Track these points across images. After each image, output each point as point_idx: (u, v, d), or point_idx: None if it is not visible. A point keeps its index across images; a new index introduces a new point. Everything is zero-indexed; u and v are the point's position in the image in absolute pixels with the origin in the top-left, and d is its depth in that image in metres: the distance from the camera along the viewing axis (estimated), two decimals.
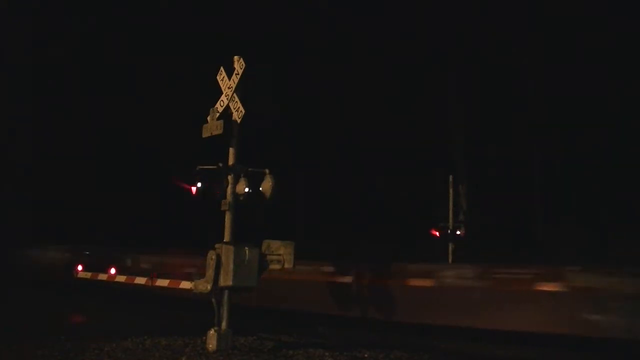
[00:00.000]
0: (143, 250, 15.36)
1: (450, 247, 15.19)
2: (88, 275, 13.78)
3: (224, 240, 7.79)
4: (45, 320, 10.43)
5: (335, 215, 21.78)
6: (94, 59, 25.65)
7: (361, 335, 9.26)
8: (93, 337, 8.11)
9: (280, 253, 8.07)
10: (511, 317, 8.73)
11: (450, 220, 15.33)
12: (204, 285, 7.70)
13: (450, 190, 15.44)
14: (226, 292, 7.75)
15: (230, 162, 7.97)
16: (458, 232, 15.80)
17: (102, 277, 13.09)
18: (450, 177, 15.57)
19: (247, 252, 7.75)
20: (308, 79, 22.18)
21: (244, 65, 7.93)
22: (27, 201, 25.69)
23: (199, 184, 8.23)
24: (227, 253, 7.65)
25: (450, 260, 14.67)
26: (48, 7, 24.88)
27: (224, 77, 8.15)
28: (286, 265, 8.07)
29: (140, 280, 12.07)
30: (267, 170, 8.06)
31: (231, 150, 8.01)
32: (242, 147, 8.06)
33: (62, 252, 18.21)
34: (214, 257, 7.65)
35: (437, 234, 15.55)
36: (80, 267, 14.51)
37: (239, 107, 7.91)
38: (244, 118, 7.89)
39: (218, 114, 8.06)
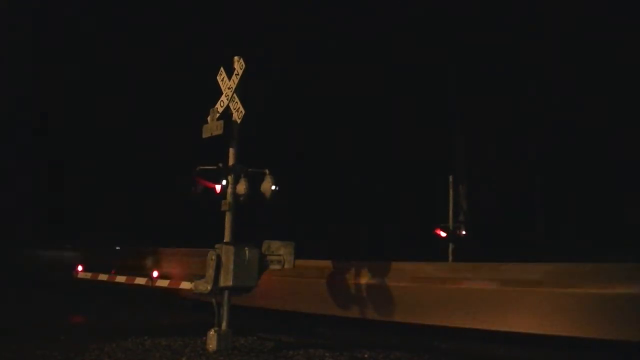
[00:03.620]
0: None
1: (451, 247, 15.21)
2: (88, 275, 13.80)
3: (224, 241, 7.80)
4: (45, 320, 10.43)
5: (335, 216, 21.79)
6: (94, 59, 25.67)
7: (361, 336, 9.27)
8: (93, 337, 8.11)
9: (280, 253, 8.07)
10: None
11: (450, 221, 15.35)
12: (204, 286, 7.71)
13: (450, 191, 15.45)
14: (226, 292, 7.75)
15: (230, 162, 7.98)
16: (458, 233, 15.82)
17: (102, 277, 13.11)
18: (450, 177, 15.57)
19: (247, 252, 7.75)
20: (308, 79, 22.19)
21: (244, 65, 7.93)
22: (28, 202, 25.72)
23: (197, 185, 8.24)
24: (227, 253, 7.66)
25: (450, 260, 14.70)
26: (48, 7, 24.90)
27: (224, 78, 8.15)
28: (286, 266, 8.08)
29: (140, 280, 12.10)
30: (267, 171, 8.07)
31: (231, 150, 8.01)
32: (242, 148, 8.07)
33: (62, 252, 18.24)
34: (214, 257, 7.66)
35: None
36: (80, 267, 14.54)
37: (239, 108, 7.92)
38: (244, 118, 7.90)
39: (218, 114, 8.07)
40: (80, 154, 26.51)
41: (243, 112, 7.88)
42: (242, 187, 7.90)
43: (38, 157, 26.48)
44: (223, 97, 8.11)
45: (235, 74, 7.99)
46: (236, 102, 7.95)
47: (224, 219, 7.91)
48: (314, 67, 22.18)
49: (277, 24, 21.98)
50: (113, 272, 12.56)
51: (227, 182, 7.94)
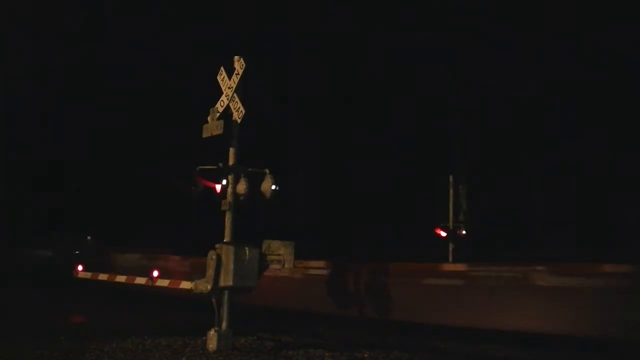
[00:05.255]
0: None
1: (451, 246, 15.20)
2: (88, 275, 13.79)
3: (224, 240, 7.80)
4: (45, 320, 10.42)
5: (335, 216, 21.79)
6: (94, 59, 25.66)
7: (361, 336, 9.26)
8: (93, 337, 8.11)
9: (281, 253, 8.08)
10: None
11: (451, 221, 15.34)
12: (204, 285, 7.71)
13: (450, 191, 15.44)
14: (226, 292, 7.75)
15: (230, 162, 7.97)
16: (458, 232, 15.82)
17: (102, 277, 13.10)
18: (450, 177, 15.57)
19: (247, 252, 7.75)
20: (308, 79, 22.18)
21: (244, 65, 7.93)
22: (28, 202, 25.72)
23: (198, 185, 8.24)
24: (227, 253, 7.66)
25: (450, 260, 14.68)
26: (48, 7, 24.88)
27: (224, 77, 8.15)
28: (286, 265, 8.09)
29: (140, 280, 12.09)
30: (267, 170, 8.07)
31: (231, 150, 8.01)
32: (242, 147, 8.06)
33: (62, 252, 18.25)
34: (214, 257, 7.65)
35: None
36: (80, 267, 14.53)
37: (239, 107, 7.91)
38: (244, 118, 7.90)
39: (218, 114, 8.06)
40: (80, 154, 26.50)
41: (243, 112, 7.88)
42: (242, 187, 7.90)
43: (38, 157, 26.45)
44: (223, 97, 8.10)
45: (236, 74, 7.98)
46: (236, 101, 7.94)
47: (224, 219, 7.92)
48: (314, 66, 22.17)
49: (276, 23, 22.00)
50: None
51: (227, 182, 7.95)
